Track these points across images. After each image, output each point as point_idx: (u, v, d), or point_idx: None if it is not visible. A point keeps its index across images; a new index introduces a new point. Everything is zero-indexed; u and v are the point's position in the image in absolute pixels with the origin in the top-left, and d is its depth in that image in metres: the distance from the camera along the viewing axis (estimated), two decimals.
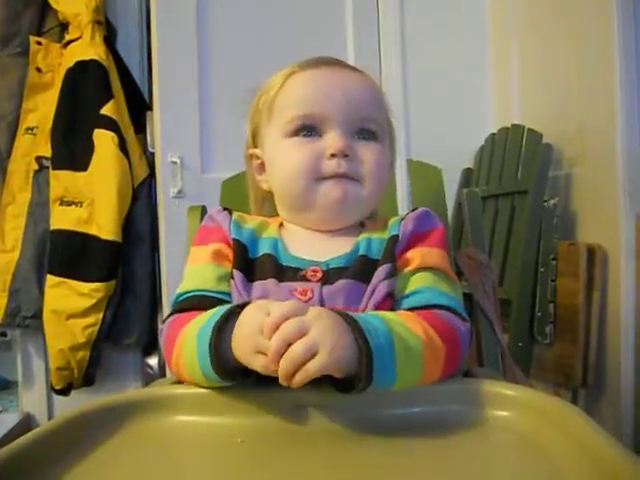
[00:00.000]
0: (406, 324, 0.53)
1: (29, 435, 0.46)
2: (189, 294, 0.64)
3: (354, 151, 0.66)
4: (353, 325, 0.49)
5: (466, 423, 0.49)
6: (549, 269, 1.53)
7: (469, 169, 1.92)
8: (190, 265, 0.68)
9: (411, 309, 0.60)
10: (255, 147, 0.75)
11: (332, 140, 0.66)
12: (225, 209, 0.72)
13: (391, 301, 0.62)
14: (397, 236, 0.65)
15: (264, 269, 0.64)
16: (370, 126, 0.68)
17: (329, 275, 0.63)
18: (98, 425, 0.51)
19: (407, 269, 0.63)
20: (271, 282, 0.63)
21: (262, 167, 0.74)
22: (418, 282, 0.63)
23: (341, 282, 0.61)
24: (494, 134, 1.84)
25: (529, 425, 0.47)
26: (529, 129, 1.64)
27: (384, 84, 1.86)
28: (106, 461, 0.47)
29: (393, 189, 1.05)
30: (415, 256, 0.64)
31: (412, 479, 0.42)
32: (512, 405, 0.49)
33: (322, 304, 0.60)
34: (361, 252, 0.65)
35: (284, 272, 0.64)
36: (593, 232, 1.49)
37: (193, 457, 0.47)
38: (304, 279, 0.63)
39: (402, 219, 0.68)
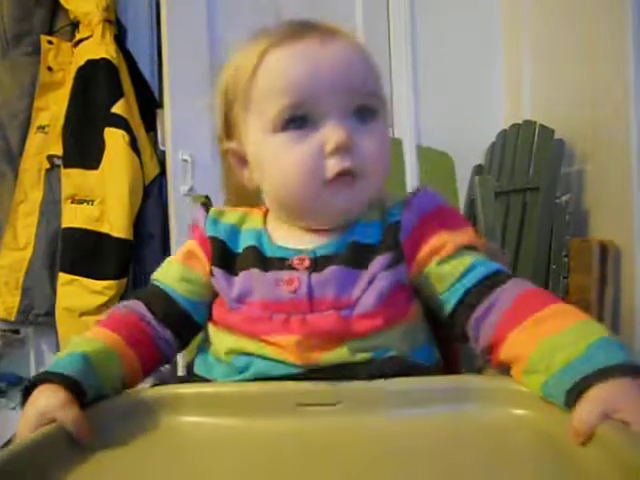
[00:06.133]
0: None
1: (34, 435, 0.46)
2: (155, 283, 0.67)
3: (356, 142, 0.57)
4: None
5: (482, 421, 0.48)
6: (561, 266, 1.52)
7: (480, 165, 1.91)
8: (172, 256, 0.69)
9: (477, 283, 0.56)
10: (229, 140, 0.66)
11: (331, 132, 0.57)
12: (204, 204, 0.68)
13: (405, 289, 0.59)
14: (398, 222, 0.59)
15: (247, 261, 0.60)
16: (370, 102, 0.59)
17: (317, 263, 0.58)
18: (103, 425, 0.50)
19: (443, 253, 0.58)
20: (255, 271, 0.59)
21: (242, 162, 0.66)
22: (466, 261, 0.58)
23: (331, 269, 0.57)
24: (505, 130, 1.82)
25: (546, 424, 0.46)
26: (541, 125, 1.62)
27: (393, 81, 1.87)
28: (111, 461, 0.46)
29: (402, 176, 1.03)
30: (447, 239, 0.58)
31: None
32: (529, 403, 0.48)
33: (311, 293, 0.56)
34: (352, 238, 0.60)
35: (269, 262, 0.60)
36: (606, 228, 1.48)
37: (197, 458, 0.47)
38: (290, 268, 0.58)
39: (403, 203, 0.61)
